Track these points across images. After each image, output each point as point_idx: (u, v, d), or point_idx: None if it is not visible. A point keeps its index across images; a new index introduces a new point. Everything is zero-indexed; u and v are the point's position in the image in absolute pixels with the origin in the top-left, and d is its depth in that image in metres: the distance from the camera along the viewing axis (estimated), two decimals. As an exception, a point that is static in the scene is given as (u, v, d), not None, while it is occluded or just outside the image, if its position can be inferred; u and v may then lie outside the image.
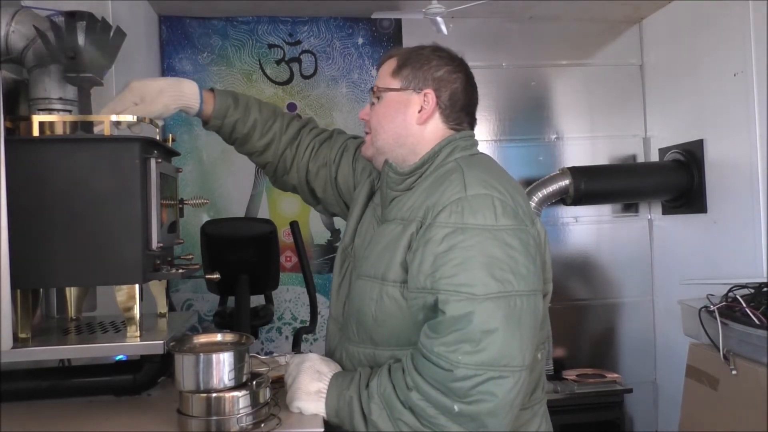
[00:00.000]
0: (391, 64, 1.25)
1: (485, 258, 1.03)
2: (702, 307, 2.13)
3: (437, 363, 1.01)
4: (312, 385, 1.11)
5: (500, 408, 1.00)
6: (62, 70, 1.17)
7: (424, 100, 1.21)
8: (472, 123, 1.27)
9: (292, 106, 3.18)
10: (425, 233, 1.08)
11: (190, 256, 1.38)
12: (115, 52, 1.25)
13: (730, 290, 2.14)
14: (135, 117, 1.20)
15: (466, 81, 1.24)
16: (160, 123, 1.32)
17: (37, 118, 1.16)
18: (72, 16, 1.17)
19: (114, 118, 1.19)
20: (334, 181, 1.47)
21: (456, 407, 1.00)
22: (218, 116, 1.39)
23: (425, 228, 1.09)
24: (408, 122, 1.21)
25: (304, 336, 2.92)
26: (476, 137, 1.27)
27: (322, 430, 1.06)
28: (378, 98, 1.25)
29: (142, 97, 1.27)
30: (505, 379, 1.00)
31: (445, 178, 1.13)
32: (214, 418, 1.01)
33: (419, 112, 1.21)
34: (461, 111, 1.23)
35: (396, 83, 1.23)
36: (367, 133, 1.29)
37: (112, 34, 1.23)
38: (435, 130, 1.22)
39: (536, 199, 2.89)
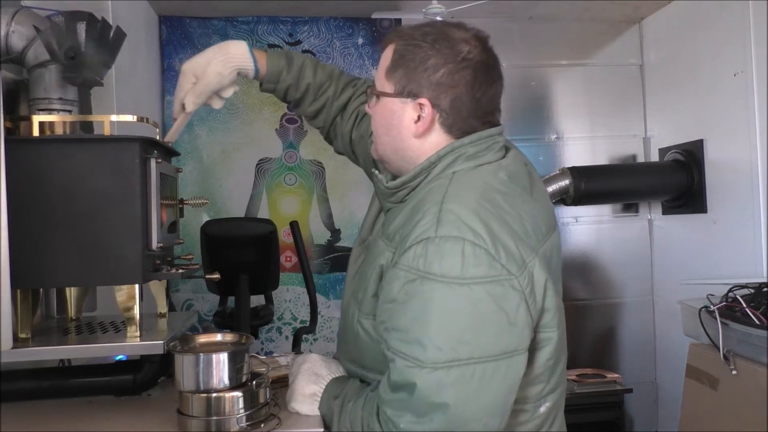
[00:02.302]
0: (387, 57, 1.08)
1: (443, 317, 0.90)
2: (702, 307, 2.13)
3: (386, 422, 0.94)
4: (308, 388, 1.11)
5: None
6: (62, 70, 1.17)
7: (421, 110, 1.03)
8: (491, 122, 1.07)
9: (292, 106, 3.19)
10: (389, 272, 0.97)
11: (190, 256, 1.38)
12: (115, 52, 1.25)
13: (730, 290, 2.14)
14: (135, 117, 1.20)
15: (473, 78, 1.02)
16: (229, 93, 1.28)
17: (37, 118, 1.16)
18: (72, 16, 1.17)
19: (114, 118, 1.19)
20: (371, 155, 1.39)
21: None
22: (271, 80, 1.32)
23: (392, 265, 0.97)
24: (404, 135, 1.05)
25: (304, 336, 2.92)
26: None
27: (322, 430, 1.06)
28: (377, 97, 1.09)
29: (195, 75, 1.23)
30: None
31: (424, 204, 0.98)
32: (214, 418, 1.01)
33: (416, 122, 1.04)
34: (469, 117, 1.04)
35: (389, 86, 1.06)
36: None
37: (112, 34, 1.23)
38: (437, 141, 1.05)
39: (536, 199, 2.89)
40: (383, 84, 1.08)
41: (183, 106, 1.24)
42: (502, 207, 0.98)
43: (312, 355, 1.18)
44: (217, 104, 1.28)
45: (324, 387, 1.11)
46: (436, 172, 1.04)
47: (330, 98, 1.37)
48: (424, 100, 1.03)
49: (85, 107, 1.26)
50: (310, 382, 1.11)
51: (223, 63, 1.24)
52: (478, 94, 1.03)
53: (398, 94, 1.05)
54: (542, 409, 1.05)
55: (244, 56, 1.27)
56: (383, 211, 1.16)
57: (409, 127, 1.05)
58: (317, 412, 1.09)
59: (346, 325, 1.13)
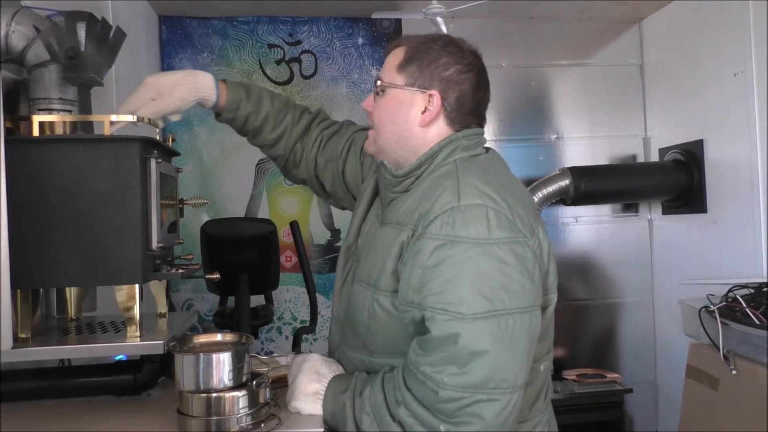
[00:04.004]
0: (398, 55, 1.17)
1: (475, 275, 0.98)
2: (702, 307, 2.13)
3: (424, 382, 0.98)
4: (310, 386, 1.11)
5: (488, 430, 0.96)
6: (62, 70, 1.17)
7: (429, 102, 1.13)
8: (480, 123, 1.20)
9: (292, 106, 3.19)
10: (415, 244, 1.03)
11: (190, 256, 1.37)
12: (115, 52, 1.25)
13: (730, 290, 2.14)
14: (135, 117, 1.20)
15: (476, 81, 1.15)
16: (176, 118, 1.31)
17: (37, 118, 1.16)
18: (72, 16, 1.17)
19: (114, 118, 1.18)
20: (342, 175, 1.43)
21: (442, 427, 0.97)
22: (231, 109, 1.37)
23: (416, 238, 1.04)
24: (410, 124, 1.14)
25: (304, 336, 2.92)
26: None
27: (322, 430, 1.06)
28: (382, 91, 1.18)
29: (158, 92, 1.26)
30: (494, 402, 0.96)
31: (440, 184, 1.07)
32: (214, 418, 1.01)
33: (423, 113, 1.14)
34: (468, 114, 1.16)
35: (400, 79, 1.15)
36: (370, 127, 1.22)
37: (112, 34, 1.23)
38: (438, 133, 1.15)
39: (536, 199, 2.89)
40: (393, 77, 1.17)
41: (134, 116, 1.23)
42: (506, 184, 1.11)
43: (312, 355, 1.18)
44: (161, 123, 1.31)
45: (326, 385, 1.11)
46: (438, 161, 1.13)
47: (289, 125, 1.43)
48: (434, 92, 1.13)
49: (85, 107, 1.25)
50: (312, 381, 1.11)
51: (189, 90, 1.30)
52: (479, 96, 1.17)
53: (409, 86, 1.15)
54: (542, 368, 1.15)
55: (209, 88, 1.33)
56: (383, 203, 1.20)
57: (416, 116, 1.15)
58: (320, 411, 1.09)
59: (354, 313, 1.14)
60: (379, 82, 1.18)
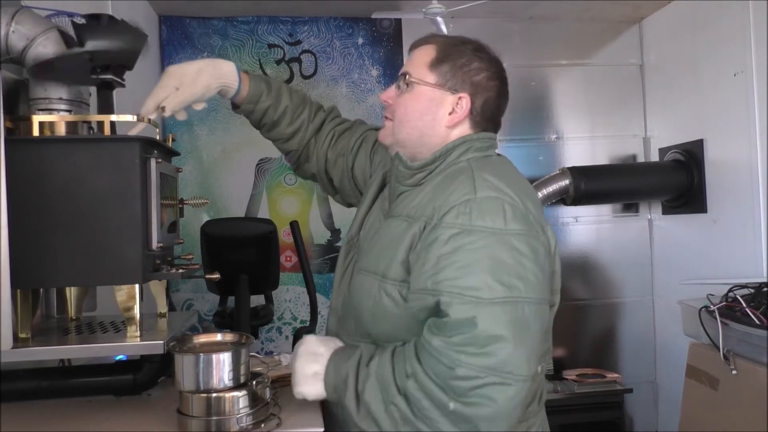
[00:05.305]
0: (428, 53, 1.17)
1: (492, 261, 0.99)
2: (702, 307, 2.13)
3: (439, 359, 0.98)
4: (308, 368, 1.09)
5: (498, 415, 0.96)
6: (87, 71, 1.17)
7: (458, 104, 1.15)
8: (496, 129, 1.22)
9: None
10: (430, 234, 1.04)
11: (190, 256, 1.37)
12: (136, 53, 1.25)
13: (730, 290, 2.14)
14: (135, 117, 1.20)
15: (500, 89, 1.18)
16: (201, 107, 1.28)
17: (37, 118, 1.16)
18: (91, 18, 1.17)
19: (114, 118, 1.18)
20: (351, 171, 1.44)
21: (451, 405, 0.96)
22: (251, 101, 1.36)
23: (430, 229, 1.04)
24: (436, 123, 1.16)
25: (304, 336, 2.92)
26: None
27: (322, 430, 1.06)
28: (407, 85, 1.18)
29: (181, 80, 1.24)
30: (507, 387, 0.96)
31: (454, 178, 1.09)
32: (214, 418, 1.01)
33: (450, 114, 1.15)
34: (490, 120, 1.19)
35: (432, 77, 1.16)
36: (387, 118, 1.22)
37: (131, 34, 1.23)
38: (461, 134, 1.17)
39: (536, 199, 2.89)
40: (424, 75, 1.17)
41: (161, 108, 1.22)
42: (519, 182, 1.13)
43: (307, 337, 1.16)
44: (182, 116, 1.28)
45: (325, 364, 1.09)
46: (451, 158, 1.15)
47: (305, 120, 1.44)
48: (465, 95, 1.15)
49: (107, 108, 1.24)
50: (310, 362, 1.09)
51: (213, 77, 1.27)
52: (501, 103, 1.20)
53: (440, 85, 1.16)
54: (539, 369, 1.12)
55: (232, 75, 1.31)
56: (391, 196, 1.21)
57: (443, 116, 1.16)
58: (322, 391, 1.07)
59: (358, 302, 1.13)
60: (407, 77, 1.17)
